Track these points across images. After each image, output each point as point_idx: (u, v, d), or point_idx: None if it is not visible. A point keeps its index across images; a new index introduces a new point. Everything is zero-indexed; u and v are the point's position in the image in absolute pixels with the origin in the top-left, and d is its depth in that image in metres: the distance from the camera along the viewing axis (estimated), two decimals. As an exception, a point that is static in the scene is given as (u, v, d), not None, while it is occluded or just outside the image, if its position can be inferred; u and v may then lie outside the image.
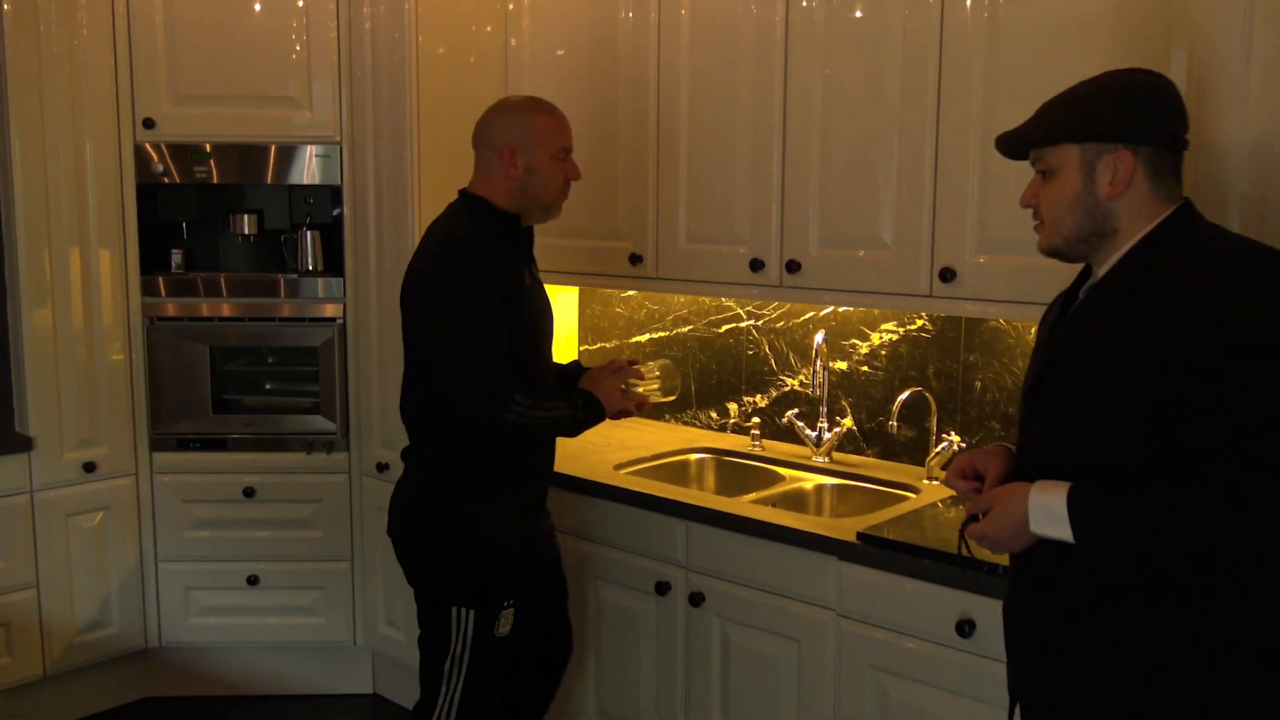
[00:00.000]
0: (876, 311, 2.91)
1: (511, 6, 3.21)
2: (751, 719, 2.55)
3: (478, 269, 2.27)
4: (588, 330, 3.64)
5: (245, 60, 3.32)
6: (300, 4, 3.29)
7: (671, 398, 2.59)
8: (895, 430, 2.78)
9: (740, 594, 2.53)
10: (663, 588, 2.67)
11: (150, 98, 3.32)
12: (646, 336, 3.46)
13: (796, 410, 3.06)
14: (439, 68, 3.20)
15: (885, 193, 2.51)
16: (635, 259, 3.01)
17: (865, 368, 2.97)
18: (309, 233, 3.45)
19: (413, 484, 2.46)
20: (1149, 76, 1.63)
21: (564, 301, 3.59)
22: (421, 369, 2.36)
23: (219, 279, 3.45)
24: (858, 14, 2.52)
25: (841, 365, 3.01)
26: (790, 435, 3.09)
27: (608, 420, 2.47)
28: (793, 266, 2.68)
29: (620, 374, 2.48)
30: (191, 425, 3.45)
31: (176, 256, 3.46)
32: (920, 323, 2.86)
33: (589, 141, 2.89)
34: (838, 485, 2.87)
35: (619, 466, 2.96)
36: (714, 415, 3.33)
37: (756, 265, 2.74)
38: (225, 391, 3.50)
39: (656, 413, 3.40)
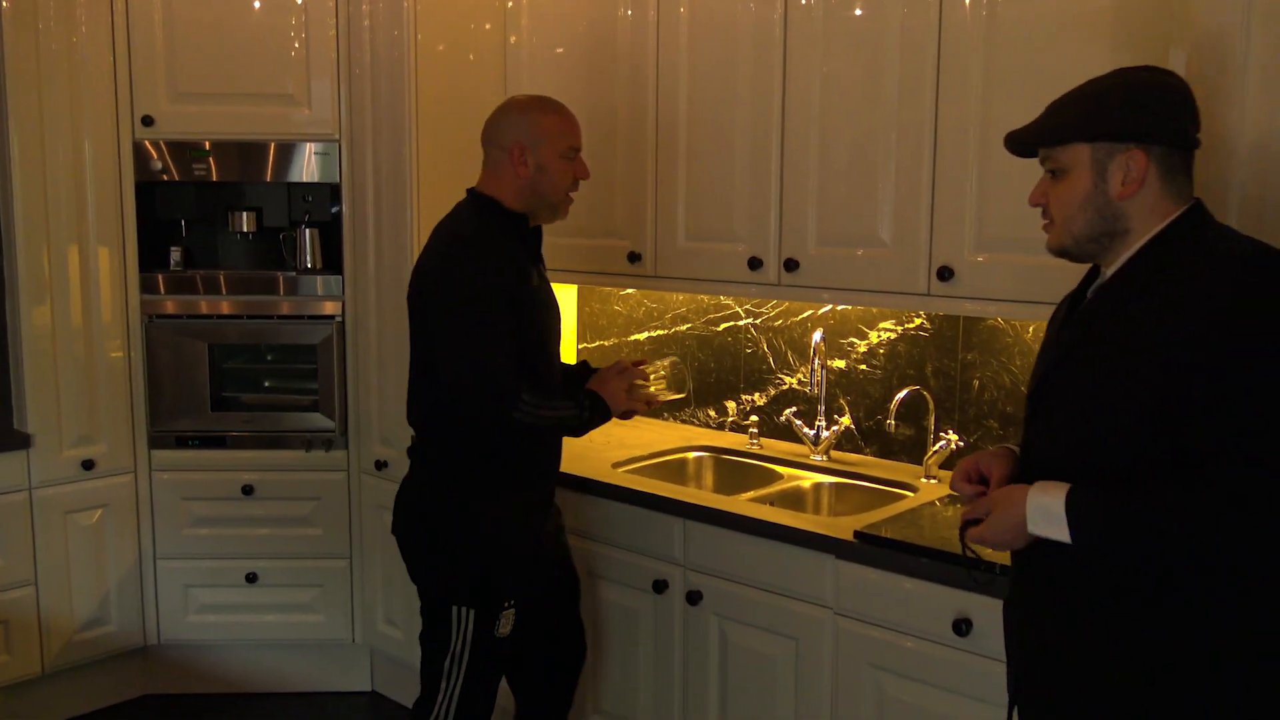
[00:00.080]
0: (875, 310, 2.91)
1: (510, 4, 3.21)
2: (749, 717, 2.55)
3: (486, 268, 2.27)
4: (586, 328, 3.64)
5: (244, 58, 3.32)
6: (299, 1, 3.29)
7: (680, 394, 2.59)
8: (893, 429, 2.78)
9: (738, 592, 2.53)
10: (660, 586, 2.67)
11: (149, 95, 3.32)
12: (645, 335, 3.46)
13: (795, 409, 3.06)
14: (438, 65, 3.20)
15: (883, 191, 2.51)
16: (634, 257, 3.01)
17: (863, 366, 2.97)
18: (308, 230, 3.45)
19: (417, 482, 2.47)
20: (1161, 74, 1.62)
21: (563, 300, 3.56)
22: (428, 367, 2.36)
23: (218, 276, 3.45)
24: (856, 12, 2.51)
25: (840, 364, 3.01)
26: (788, 434, 3.09)
27: (614, 420, 2.47)
28: (791, 265, 2.68)
29: (626, 375, 2.47)
30: (190, 423, 3.45)
31: (175, 254, 3.46)
32: (918, 321, 2.86)
33: (588, 140, 2.86)
34: (836, 484, 2.87)
35: (617, 465, 2.96)
36: (712, 413, 3.33)
37: (755, 264, 2.74)
38: (224, 389, 3.50)
39: (654, 411, 3.40)
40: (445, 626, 2.39)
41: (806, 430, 3.00)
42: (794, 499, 2.84)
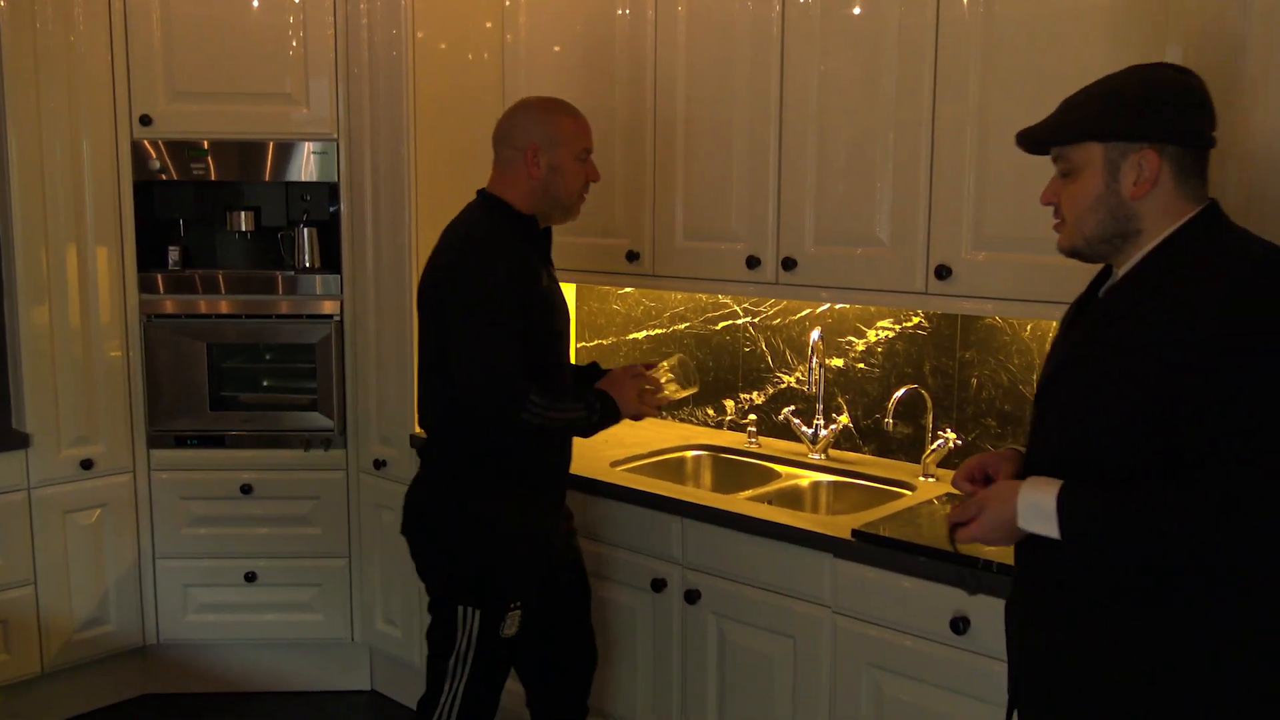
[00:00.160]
0: (873, 309, 2.91)
1: (508, 2, 3.21)
2: (747, 716, 2.55)
3: (496, 269, 2.27)
4: (585, 327, 3.64)
5: (242, 56, 3.32)
6: (297, 0, 3.29)
7: (693, 389, 2.57)
8: (891, 427, 2.78)
9: (736, 591, 2.53)
10: (659, 585, 2.67)
11: (147, 94, 3.32)
12: (643, 333, 3.47)
13: (793, 407, 3.06)
14: (436, 64, 3.20)
15: (881, 190, 2.51)
16: (632, 256, 3.01)
17: (861, 365, 2.97)
18: (306, 230, 3.45)
19: (426, 482, 2.47)
20: (1177, 73, 1.59)
21: (561, 298, 3.59)
22: (438, 368, 2.36)
23: (216, 276, 3.45)
24: (854, 10, 2.51)
25: (838, 362, 3.01)
26: (787, 432, 3.09)
27: (624, 420, 2.46)
28: (789, 264, 2.68)
29: (640, 379, 2.46)
30: (189, 422, 3.45)
31: (174, 254, 3.45)
32: (916, 320, 2.86)
33: (585, 138, 2.89)
34: (834, 482, 2.87)
35: (615, 464, 2.96)
36: (710, 412, 3.33)
37: (753, 262, 2.74)
38: (223, 388, 3.50)
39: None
40: (451, 626, 2.39)
41: (805, 429, 3.00)
42: (792, 498, 2.84)
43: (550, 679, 2.67)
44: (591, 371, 2.62)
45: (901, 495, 2.68)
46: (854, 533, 2.33)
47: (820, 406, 2.99)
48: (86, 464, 3.34)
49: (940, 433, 2.77)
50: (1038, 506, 1.55)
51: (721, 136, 2.78)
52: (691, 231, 2.89)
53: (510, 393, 2.24)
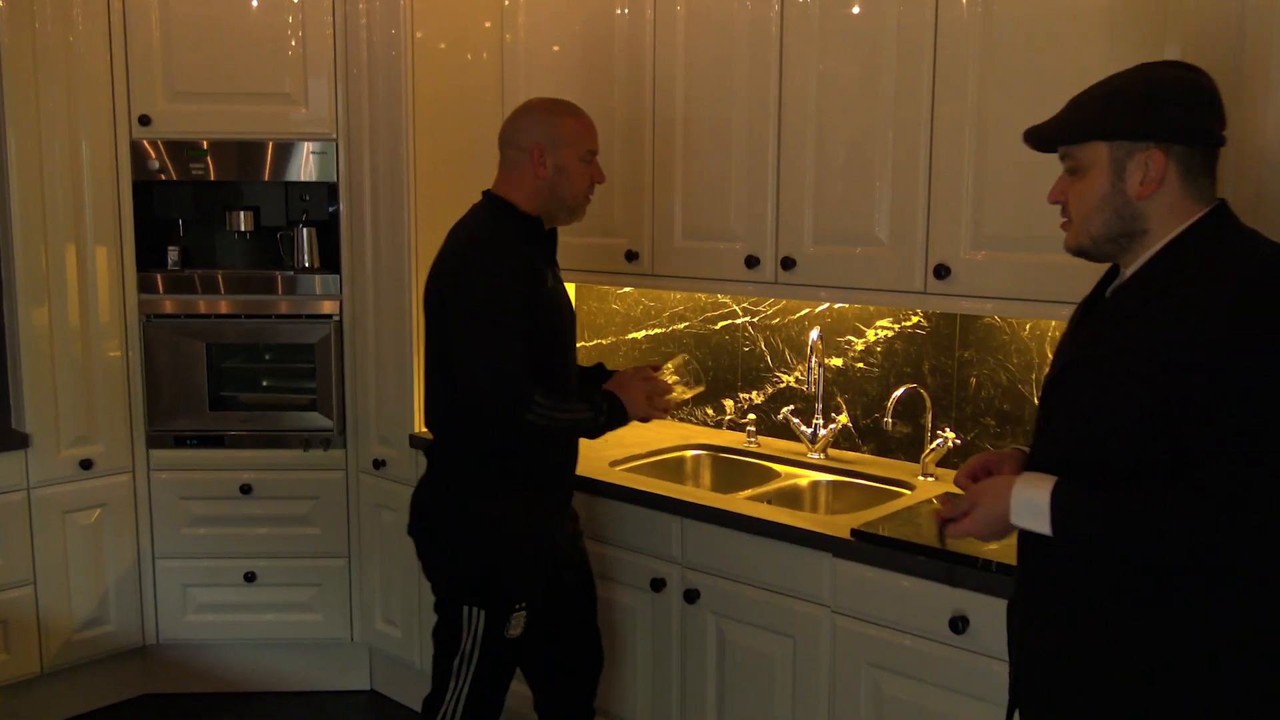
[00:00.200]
0: (872, 308, 2.91)
1: (507, 2, 3.21)
2: (746, 715, 2.55)
3: (501, 270, 2.27)
4: (584, 327, 3.63)
5: (241, 56, 3.32)
6: (296, 0, 3.29)
7: (700, 388, 2.57)
8: (890, 427, 2.78)
9: (735, 591, 2.53)
10: (658, 584, 2.67)
11: (146, 94, 3.32)
12: (642, 333, 3.47)
13: (792, 407, 3.06)
14: (435, 63, 3.20)
15: (880, 189, 2.51)
16: (631, 256, 3.01)
17: (860, 364, 2.97)
18: (305, 229, 3.45)
19: (430, 482, 2.47)
20: (1185, 71, 1.57)
21: (561, 298, 3.59)
22: (444, 369, 2.36)
23: (216, 276, 3.45)
24: (853, 10, 2.51)
25: (837, 362, 3.01)
26: (786, 432, 3.09)
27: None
28: (788, 263, 2.68)
29: (649, 381, 2.46)
30: (188, 422, 3.45)
31: (173, 254, 3.45)
32: (915, 319, 2.86)
33: (584, 138, 2.89)
34: (833, 482, 2.87)
35: (615, 463, 2.96)
36: (710, 412, 3.33)
37: (752, 262, 2.74)
38: (222, 388, 3.50)
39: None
40: (456, 626, 2.39)
41: (804, 428, 3.00)
42: (791, 497, 2.84)
43: (556, 680, 2.66)
44: (597, 373, 2.62)
45: (901, 495, 2.68)
46: (853, 532, 2.33)
47: (819, 406, 2.99)
48: (86, 464, 3.34)
49: (939, 432, 2.77)
50: (1031, 503, 1.55)
51: (720, 136, 2.78)
52: (690, 231, 2.89)
53: (514, 394, 2.24)
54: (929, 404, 2.79)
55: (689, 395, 2.56)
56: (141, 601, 3.50)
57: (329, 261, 3.46)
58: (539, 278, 2.35)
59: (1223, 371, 1.41)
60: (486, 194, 2.45)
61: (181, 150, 3.36)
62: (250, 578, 3.49)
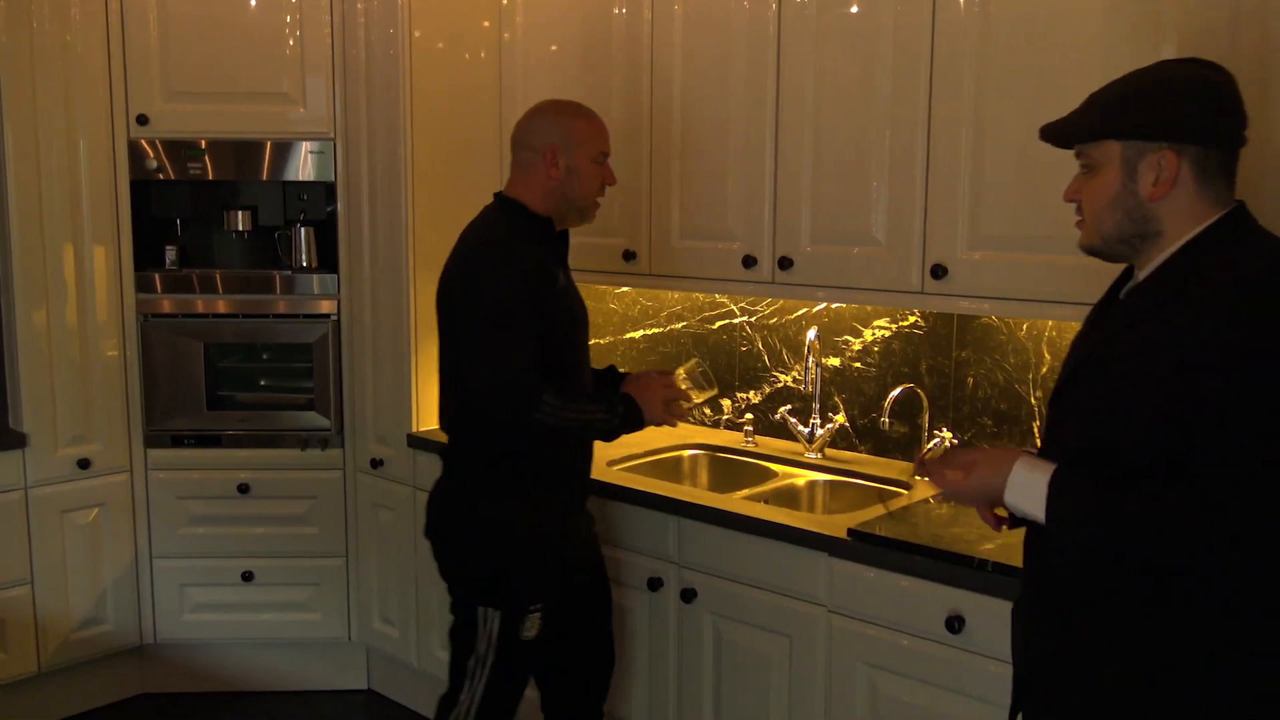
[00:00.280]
0: (869, 308, 2.91)
1: (505, 2, 3.22)
2: (743, 714, 2.56)
3: (511, 271, 2.27)
4: (582, 326, 3.64)
5: (239, 56, 3.32)
6: None
7: (713, 391, 2.57)
8: (887, 426, 2.78)
9: (732, 590, 2.53)
10: (655, 584, 2.67)
11: (144, 93, 3.32)
12: (640, 333, 3.47)
13: (789, 406, 3.06)
14: (432, 63, 3.20)
15: (877, 189, 2.51)
16: (629, 255, 3.01)
17: (858, 364, 2.97)
18: (303, 229, 3.45)
19: (446, 483, 2.47)
20: (1204, 70, 1.54)
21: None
22: (456, 371, 2.36)
23: (213, 275, 3.45)
24: (851, 9, 2.51)
25: (834, 361, 3.01)
26: (783, 431, 3.09)
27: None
28: (785, 263, 2.68)
29: (670, 387, 2.46)
30: (186, 422, 3.45)
31: (171, 253, 3.46)
32: (912, 319, 2.86)
33: (582, 138, 2.89)
34: (830, 481, 2.87)
35: (612, 463, 2.96)
36: (707, 411, 3.33)
37: (749, 262, 2.74)
38: (220, 388, 3.50)
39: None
40: (471, 627, 2.38)
41: (801, 428, 3.00)
42: (788, 497, 2.84)
43: (563, 682, 2.65)
44: (610, 374, 2.62)
45: (898, 494, 2.68)
46: (850, 532, 2.33)
47: (816, 406, 2.99)
48: (83, 463, 3.34)
49: (936, 432, 2.78)
50: (1028, 486, 1.54)
51: (718, 136, 2.78)
52: (688, 231, 2.89)
53: (523, 393, 2.24)
54: (926, 404, 2.79)
55: (701, 400, 2.56)
56: (139, 601, 3.50)
57: (327, 261, 3.46)
58: (549, 278, 2.35)
59: (1238, 374, 1.39)
60: (498, 195, 2.46)
61: (179, 150, 3.36)
62: (248, 577, 3.49)
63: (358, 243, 3.36)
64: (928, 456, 1.67)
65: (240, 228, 3.48)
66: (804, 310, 3.07)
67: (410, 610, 3.34)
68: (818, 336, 2.92)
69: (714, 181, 2.81)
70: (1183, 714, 1.50)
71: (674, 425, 2.51)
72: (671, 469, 3.09)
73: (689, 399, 2.49)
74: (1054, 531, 1.54)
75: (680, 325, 3.36)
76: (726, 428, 3.28)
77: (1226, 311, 1.41)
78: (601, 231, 3.05)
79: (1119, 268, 1.68)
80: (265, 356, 3.56)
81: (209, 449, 3.46)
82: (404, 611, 3.37)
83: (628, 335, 3.50)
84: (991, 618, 2.08)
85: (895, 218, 2.49)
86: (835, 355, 3.01)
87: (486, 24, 3.27)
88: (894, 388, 2.79)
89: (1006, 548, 2.12)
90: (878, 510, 2.48)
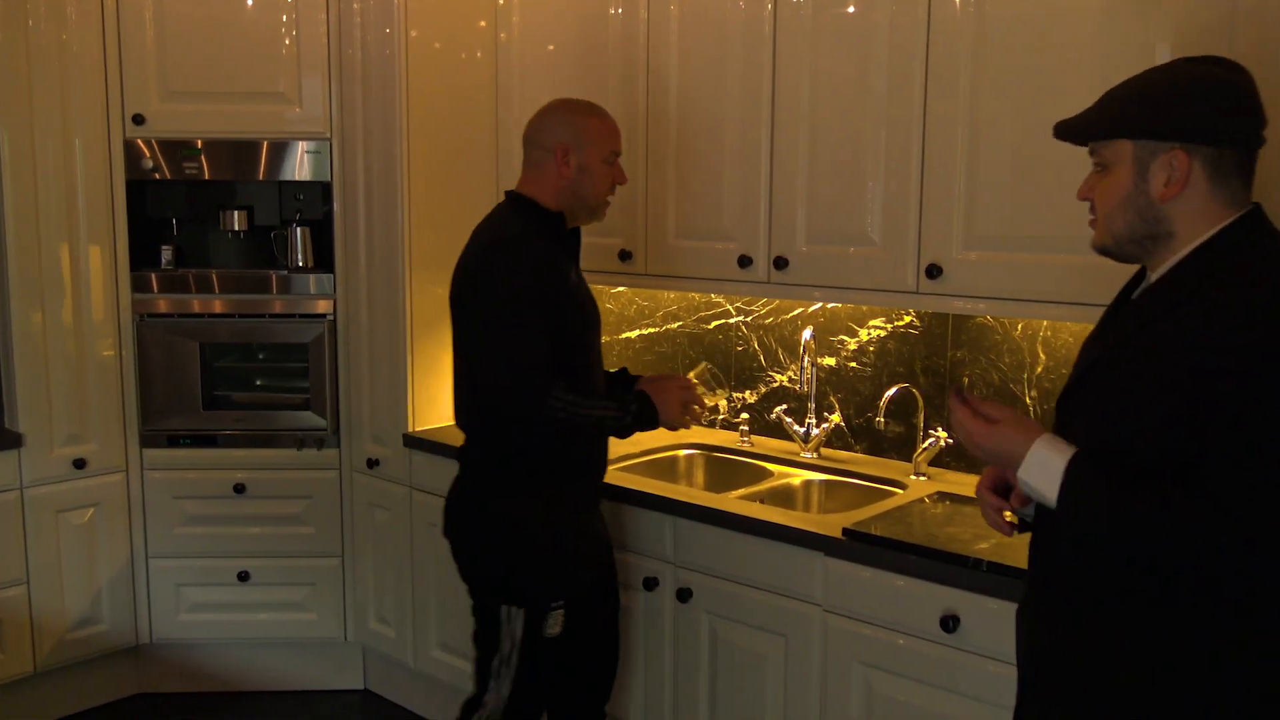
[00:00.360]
0: (864, 308, 2.92)
1: (502, 1, 3.22)
2: (738, 714, 2.56)
3: (522, 269, 2.28)
4: (578, 326, 3.64)
5: (235, 55, 3.32)
6: (290, -1, 3.30)
7: (725, 394, 2.57)
8: (883, 426, 2.78)
9: (728, 589, 2.54)
10: (651, 584, 2.67)
11: (140, 93, 3.32)
12: (636, 333, 3.47)
13: (785, 406, 3.06)
14: (429, 62, 3.20)
15: (873, 189, 2.51)
16: (625, 255, 3.01)
17: (853, 364, 2.98)
18: (299, 229, 3.45)
19: (462, 483, 2.47)
20: (1219, 69, 1.51)
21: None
22: (469, 369, 2.36)
23: (209, 275, 3.45)
24: (846, 9, 2.52)
25: (830, 361, 3.01)
26: (779, 431, 3.09)
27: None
28: (781, 263, 2.68)
29: (688, 392, 2.46)
30: (182, 421, 3.45)
31: (167, 253, 3.45)
32: (908, 319, 2.86)
33: (578, 137, 2.89)
34: (825, 481, 2.87)
35: (609, 463, 2.95)
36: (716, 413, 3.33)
37: (745, 261, 2.75)
38: (216, 388, 3.50)
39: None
40: (494, 627, 2.38)
41: (797, 428, 3.00)
42: (784, 496, 2.84)
43: (569, 681, 2.62)
44: (622, 376, 2.62)
45: (893, 494, 2.69)
46: (845, 531, 2.33)
47: (812, 405, 2.99)
48: (79, 463, 3.34)
49: (931, 431, 2.78)
50: (1046, 464, 1.51)
51: (714, 135, 2.79)
52: (684, 230, 2.90)
53: (534, 389, 2.24)
54: (921, 403, 2.79)
55: (712, 403, 2.57)
56: (135, 601, 3.49)
57: (323, 261, 3.46)
58: (561, 276, 2.35)
59: (1251, 378, 1.38)
60: (509, 194, 2.46)
61: (175, 149, 3.36)
62: (244, 577, 3.48)
63: (354, 242, 3.36)
64: (966, 394, 1.64)
65: (236, 227, 3.48)
66: (799, 310, 3.07)
67: (406, 610, 3.34)
68: (813, 336, 2.92)
69: (710, 181, 2.81)
70: (1189, 715, 1.49)
71: (689, 428, 2.51)
72: (667, 469, 3.09)
73: (704, 403, 2.50)
74: (1061, 517, 1.51)
75: (676, 325, 3.36)
76: (722, 427, 3.28)
77: (1240, 315, 1.40)
78: (598, 231, 3.04)
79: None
80: (261, 356, 3.56)
81: (205, 449, 3.46)
82: (400, 611, 3.37)
83: (624, 335, 3.50)
84: (987, 617, 2.09)
85: (890, 218, 2.49)
86: (831, 355, 3.01)
87: (483, 24, 3.27)
88: (889, 387, 2.79)
89: (1001, 547, 2.13)
90: (873, 509, 2.48)
